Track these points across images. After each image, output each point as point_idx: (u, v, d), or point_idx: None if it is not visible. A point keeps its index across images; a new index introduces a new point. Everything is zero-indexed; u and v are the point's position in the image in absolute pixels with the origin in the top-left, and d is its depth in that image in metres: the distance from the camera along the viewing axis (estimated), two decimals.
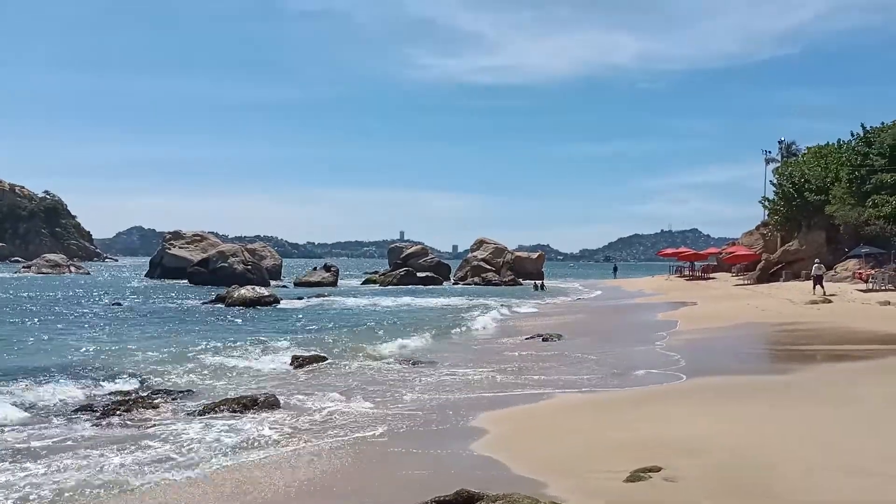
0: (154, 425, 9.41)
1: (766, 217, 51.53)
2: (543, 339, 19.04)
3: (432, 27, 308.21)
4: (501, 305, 33.46)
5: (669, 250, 73.58)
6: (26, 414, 10.05)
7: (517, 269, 61.00)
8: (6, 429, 9.23)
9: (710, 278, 51.42)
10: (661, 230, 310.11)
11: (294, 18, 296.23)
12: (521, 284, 53.86)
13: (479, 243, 64.67)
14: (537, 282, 52.98)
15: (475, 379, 13.10)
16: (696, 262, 58.66)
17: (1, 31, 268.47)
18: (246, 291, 33.70)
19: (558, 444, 8.08)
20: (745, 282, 43.77)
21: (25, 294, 40.36)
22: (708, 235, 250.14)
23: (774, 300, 28.06)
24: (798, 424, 8.22)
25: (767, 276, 42.30)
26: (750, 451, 7.07)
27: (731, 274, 51.22)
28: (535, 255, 68.16)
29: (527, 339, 19.78)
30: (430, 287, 52.74)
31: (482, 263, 60.52)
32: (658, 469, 6.58)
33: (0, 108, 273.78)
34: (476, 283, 54.45)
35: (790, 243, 43.79)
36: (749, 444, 7.39)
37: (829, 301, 25.62)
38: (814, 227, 42.95)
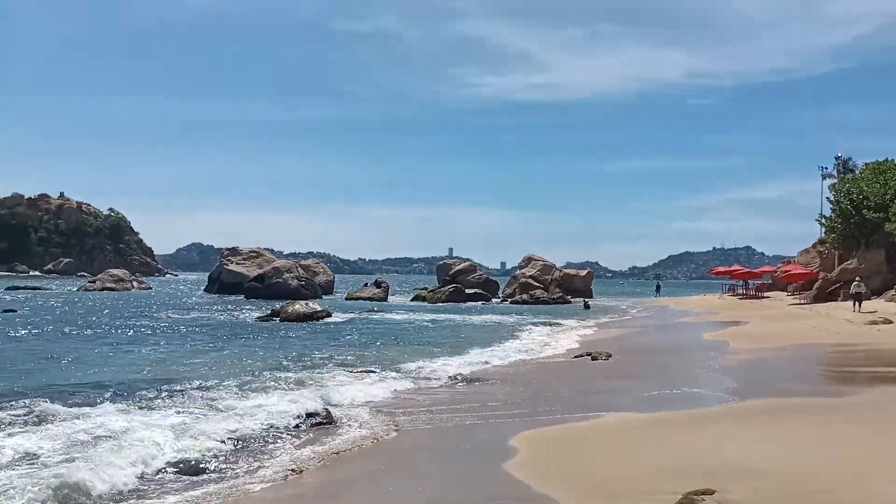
0: None
1: (823, 234, 50.23)
2: (592, 358, 18.95)
3: (480, 46, 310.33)
4: (549, 323, 33.38)
5: (722, 268, 72.19)
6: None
7: (565, 287, 60.60)
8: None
9: (764, 297, 50.28)
10: (713, 248, 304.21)
11: (345, 40, 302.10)
12: (570, 302, 53.52)
13: (528, 260, 64.53)
14: (586, 300, 52.64)
15: (521, 397, 13.09)
16: (749, 281, 57.46)
17: (66, 57, 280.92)
18: (300, 307, 34.43)
19: (605, 464, 8.00)
20: (802, 301, 42.72)
21: (107, 311, 41.89)
22: (762, 253, 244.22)
23: (832, 320, 27.38)
24: (856, 448, 8.04)
25: (825, 296, 41.18)
26: (806, 475, 6.92)
27: (786, 293, 50.01)
28: (583, 273, 67.61)
29: (575, 357, 19.76)
30: (478, 304, 52.83)
31: (530, 280, 60.34)
32: (711, 492, 6.44)
33: (67, 130, 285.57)
34: (524, 301, 54.25)
35: (848, 262, 42.57)
36: (805, 467, 7.24)
37: (890, 322, 24.91)
38: (873, 246, 41.70)
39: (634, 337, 27.22)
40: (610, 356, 19.08)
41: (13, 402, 11.66)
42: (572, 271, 67.70)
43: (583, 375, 16.18)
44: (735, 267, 68.46)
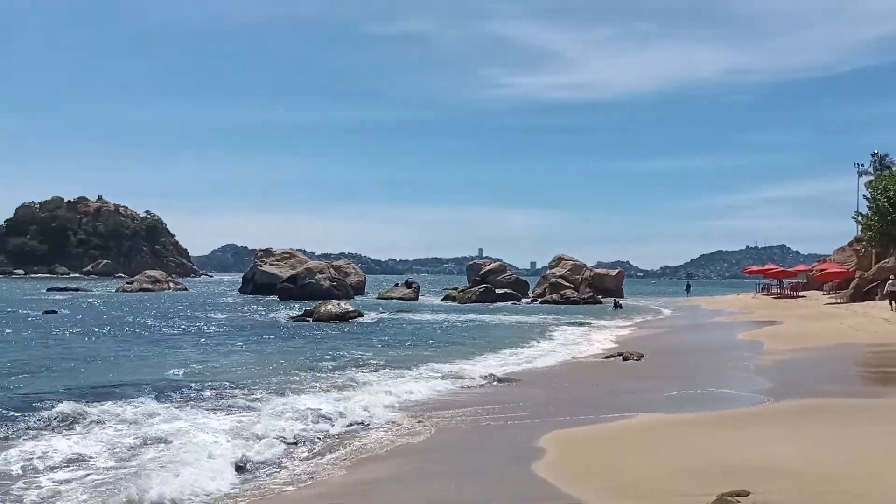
0: None
1: (860, 233, 49.32)
2: (624, 359, 18.91)
3: (511, 46, 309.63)
4: (580, 323, 33.31)
5: (755, 267, 71.18)
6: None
7: (596, 286, 60.30)
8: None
9: (799, 296, 49.50)
10: (747, 246, 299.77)
11: (377, 43, 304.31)
12: (601, 302, 53.27)
13: (558, 260, 64.37)
14: (617, 300, 52.35)
15: (552, 397, 13.12)
16: (784, 280, 56.61)
17: (104, 63, 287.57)
18: (332, 307, 34.89)
19: (636, 465, 7.96)
20: (838, 300, 42.00)
21: (155, 312, 42.82)
22: (797, 252, 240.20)
23: (869, 319, 26.91)
24: (894, 450, 7.90)
25: (861, 295, 40.44)
26: (842, 478, 6.82)
27: (822, 292, 49.18)
28: (614, 272, 67.22)
29: (606, 357, 19.75)
30: (508, 304, 52.85)
31: (560, 280, 60.18)
32: (746, 493, 6.34)
33: (104, 135, 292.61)
34: (554, 301, 54.10)
35: (886, 260, 41.75)
36: (841, 469, 7.13)
37: None
38: None
39: (666, 337, 27.07)
40: (642, 356, 19.03)
41: (60, 402, 11.95)
42: (603, 271, 67.36)
43: (614, 376, 16.16)
44: (769, 266, 67.48)
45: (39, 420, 10.82)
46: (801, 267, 63.76)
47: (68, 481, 7.87)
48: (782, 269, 62.58)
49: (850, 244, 53.11)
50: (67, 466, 8.50)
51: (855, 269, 47.75)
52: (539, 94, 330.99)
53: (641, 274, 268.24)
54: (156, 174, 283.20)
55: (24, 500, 7.29)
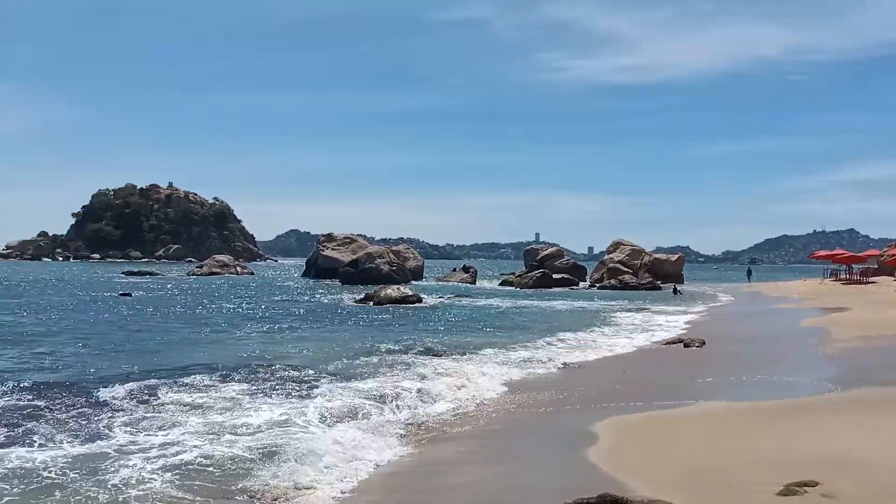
0: None
1: None
2: (685, 345, 18.82)
3: (569, 29, 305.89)
4: (640, 309, 33.09)
5: (823, 252, 69.03)
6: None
7: (655, 272, 59.50)
8: None
9: (869, 282, 47.94)
10: (814, 231, 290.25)
11: (434, 29, 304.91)
12: (660, 288, 52.56)
13: (616, 245, 63.71)
14: (676, 285, 51.63)
15: (611, 384, 13.18)
16: (853, 265, 54.84)
17: (175, 55, 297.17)
18: (392, 291, 35.55)
19: (695, 453, 7.94)
20: None
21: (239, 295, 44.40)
22: (866, 236, 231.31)
23: None
24: None
25: None
26: None
27: (893, 278, 47.56)
28: (674, 257, 66.18)
29: (667, 344, 19.72)
30: (566, 289, 52.71)
31: (618, 265, 59.60)
32: (814, 483, 6.26)
33: (174, 124, 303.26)
34: (612, 286, 53.65)
35: None
36: None
37: None
38: None
39: (728, 323, 26.71)
40: (703, 343, 18.90)
41: (146, 380, 12.58)
42: (662, 256, 66.44)
43: (675, 363, 16.12)
44: (838, 251, 65.42)
45: (116, 397, 11.37)
46: (872, 251, 61.67)
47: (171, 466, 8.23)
48: (851, 253, 60.60)
49: None
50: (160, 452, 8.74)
51: None
52: (597, 77, 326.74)
53: (702, 259, 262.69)
54: (223, 162, 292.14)
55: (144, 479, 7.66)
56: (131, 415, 10.21)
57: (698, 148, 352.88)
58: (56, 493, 6.92)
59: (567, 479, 7.39)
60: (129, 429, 9.42)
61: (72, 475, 7.43)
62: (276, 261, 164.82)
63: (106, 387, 12.04)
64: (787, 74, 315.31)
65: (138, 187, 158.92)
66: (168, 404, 10.93)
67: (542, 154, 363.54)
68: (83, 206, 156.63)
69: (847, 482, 6.32)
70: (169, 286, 51.52)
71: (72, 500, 6.78)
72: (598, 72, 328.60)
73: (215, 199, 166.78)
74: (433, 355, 16.70)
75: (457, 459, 8.44)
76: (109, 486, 7.11)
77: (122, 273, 70.96)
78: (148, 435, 9.12)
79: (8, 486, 7.09)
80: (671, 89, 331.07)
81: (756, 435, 8.69)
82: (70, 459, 7.99)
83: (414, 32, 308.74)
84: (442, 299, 38.44)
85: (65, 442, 8.75)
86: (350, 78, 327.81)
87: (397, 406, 11.15)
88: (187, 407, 10.75)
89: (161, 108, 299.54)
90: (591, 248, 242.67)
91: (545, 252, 64.12)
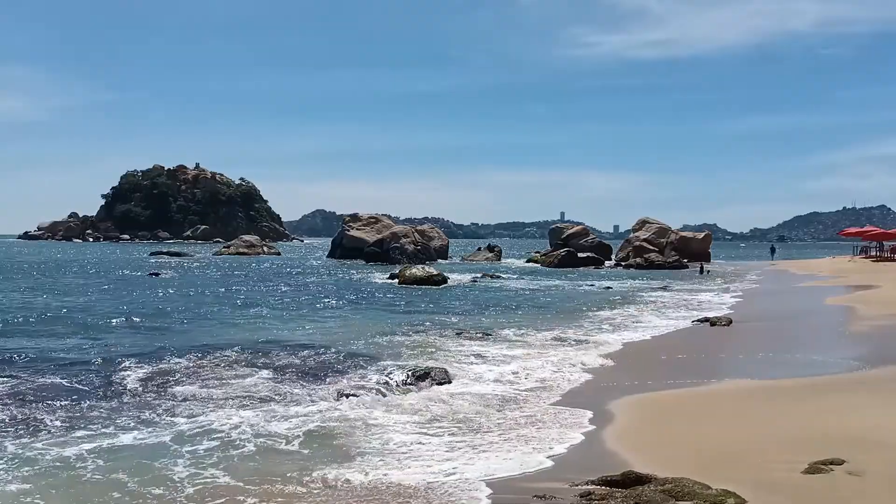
0: None
1: None
2: (711, 324, 18.78)
3: (595, 4, 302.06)
4: (666, 288, 32.99)
5: (853, 229, 67.94)
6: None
7: (681, 250, 59.01)
8: None
9: None
10: (844, 207, 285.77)
11: (459, 8, 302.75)
12: (687, 266, 52.17)
13: (642, 223, 63.22)
14: (703, 264, 51.23)
15: (636, 362, 13.21)
16: (884, 242, 53.94)
17: (198, 37, 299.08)
18: (417, 271, 35.77)
19: (722, 432, 7.96)
20: None
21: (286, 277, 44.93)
22: None
23: None
24: None
25: None
26: None
27: None
28: (701, 235, 65.51)
29: (694, 322, 19.71)
30: (591, 268, 52.55)
31: (644, 244, 59.19)
32: (841, 462, 6.27)
33: (201, 105, 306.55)
34: (638, 265, 53.35)
35: None
36: None
37: None
38: None
39: (755, 301, 26.56)
40: (730, 322, 18.87)
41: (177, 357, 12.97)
42: (689, 234, 65.79)
43: (701, 341, 16.11)
44: (868, 227, 64.35)
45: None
46: None
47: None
48: (882, 230, 59.55)
49: None
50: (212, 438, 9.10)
51: None
52: (623, 52, 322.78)
53: (730, 237, 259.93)
54: (249, 143, 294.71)
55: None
56: (173, 399, 10.15)
57: (726, 124, 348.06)
58: (109, 488, 6.60)
59: (588, 457, 7.47)
60: (181, 412, 9.38)
61: (123, 463, 7.23)
62: (301, 241, 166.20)
63: (143, 366, 12.37)
64: (818, 48, 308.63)
65: (166, 168, 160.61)
66: (218, 385, 11.05)
67: (567, 132, 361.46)
68: (112, 188, 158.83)
69: (874, 461, 6.32)
70: (197, 266, 52.25)
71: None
72: (625, 47, 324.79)
73: (242, 179, 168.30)
74: (466, 338, 16.35)
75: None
76: (167, 475, 6.91)
77: (150, 253, 72.04)
78: (207, 416, 9.14)
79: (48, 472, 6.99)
80: (699, 64, 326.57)
81: (782, 413, 8.71)
82: (119, 447, 7.85)
83: (440, 10, 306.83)
84: (468, 278, 38.47)
85: (114, 427, 8.64)
86: (377, 58, 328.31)
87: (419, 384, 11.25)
88: (243, 389, 10.76)
89: (188, 89, 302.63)
90: (616, 227, 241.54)
91: (570, 231, 63.84)
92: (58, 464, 7.25)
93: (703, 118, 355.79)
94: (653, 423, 8.81)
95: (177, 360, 13.02)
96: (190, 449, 7.77)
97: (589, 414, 9.30)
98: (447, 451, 7.74)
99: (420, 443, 8.09)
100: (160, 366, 12.45)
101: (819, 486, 5.85)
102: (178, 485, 6.70)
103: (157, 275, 40.69)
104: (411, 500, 6.28)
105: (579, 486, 6.28)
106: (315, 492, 6.54)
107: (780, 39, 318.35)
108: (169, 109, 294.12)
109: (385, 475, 6.93)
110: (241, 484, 6.71)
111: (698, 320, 19.79)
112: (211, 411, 9.42)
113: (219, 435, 8.32)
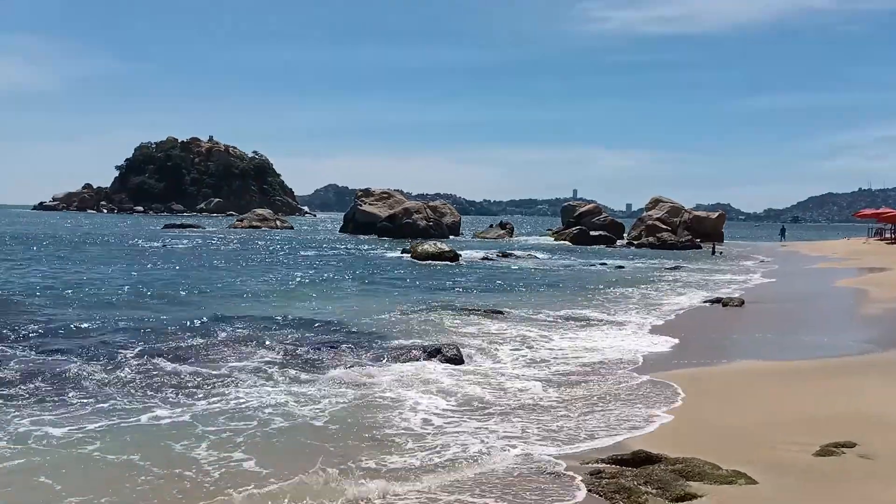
0: None
1: None
2: (723, 305, 18.79)
3: None
4: (679, 268, 32.91)
5: (868, 211, 67.28)
6: None
7: (695, 230, 58.72)
8: None
9: None
10: (860, 188, 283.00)
11: None
12: (700, 247, 51.92)
13: (655, 202, 62.88)
14: (715, 244, 50.96)
15: (650, 342, 13.26)
16: None
17: (212, 12, 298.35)
18: (429, 247, 35.88)
19: (732, 412, 7.97)
20: None
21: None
22: None
23: None
24: None
25: None
26: None
27: None
28: (714, 215, 65.08)
29: (705, 302, 19.70)
30: (603, 247, 52.42)
31: (657, 223, 58.93)
32: (852, 444, 6.28)
33: (215, 78, 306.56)
34: (650, 244, 53.15)
35: None
36: None
37: None
38: None
39: (767, 283, 26.48)
40: (742, 303, 18.87)
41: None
42: (702, 214, 65.38)
43: (713, 322, 16.13)
44: (884, 209, 63.68)
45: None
46: None
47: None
48: None
49: None
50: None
51: None
52: (637, 27, 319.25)
53: (743, 217, 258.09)
54: (262, 116, 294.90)
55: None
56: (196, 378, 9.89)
57: (741, 102, 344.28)
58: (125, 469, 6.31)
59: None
60: (196, 390, 9.19)
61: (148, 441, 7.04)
62: (314, 215, 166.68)
63: (154, 343, 12.45)
64: (834, 25, 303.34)
65: (179, 140, 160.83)
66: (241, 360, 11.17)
67: (580, 109, 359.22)
68: (126, 159, 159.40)
69: (885, 443, 6.34)
70: (210, 239, 52.53)
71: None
72: (639, 22, 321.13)
73: (255, 152, 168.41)
74: (483, 316, 16.35)
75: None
76: (191, 457, 6.67)
77: (164, 226, 72.38)
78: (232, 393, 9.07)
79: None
80: (713, 40, 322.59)
81: (793, 395, 8.74)
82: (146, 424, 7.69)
83: None
84: (480, 256, 38.37)
85: (134, 404, 8.40)
86: (391, 33, 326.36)
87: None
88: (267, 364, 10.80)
89: (202, 61, 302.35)
90: (629, 205, 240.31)
91: (583, 209, 63.61)
92: (70, 444, 6.91)
93: (718, 96, 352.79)
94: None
95: (190, 335, 13.02)
96: (213, 430, 7.47)
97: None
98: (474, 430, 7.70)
99: (454, 421, 7.95)
100: (172, 342, 12.26)
101: (830, 469, 5.87)
102: (202, 468, 6.35)
103: (168, 247, 41.02)
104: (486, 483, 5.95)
105: (589, 465, 6.35)
106: (358, 475, 6.09)
107: (795, 17, 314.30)
108: (183, 82, 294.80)
109: (429, 459, 6.66)
110: (267, 470, 6.27)
111: (710, 301, 19.79)
112: (226, 387, 9.30)
113: (238, 413, 8.07)
